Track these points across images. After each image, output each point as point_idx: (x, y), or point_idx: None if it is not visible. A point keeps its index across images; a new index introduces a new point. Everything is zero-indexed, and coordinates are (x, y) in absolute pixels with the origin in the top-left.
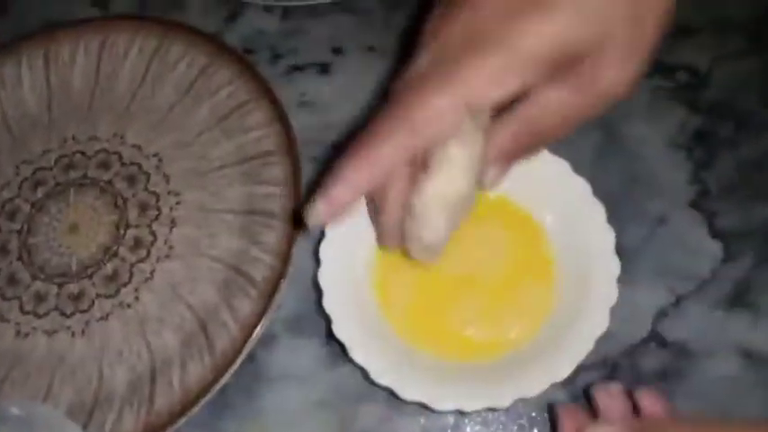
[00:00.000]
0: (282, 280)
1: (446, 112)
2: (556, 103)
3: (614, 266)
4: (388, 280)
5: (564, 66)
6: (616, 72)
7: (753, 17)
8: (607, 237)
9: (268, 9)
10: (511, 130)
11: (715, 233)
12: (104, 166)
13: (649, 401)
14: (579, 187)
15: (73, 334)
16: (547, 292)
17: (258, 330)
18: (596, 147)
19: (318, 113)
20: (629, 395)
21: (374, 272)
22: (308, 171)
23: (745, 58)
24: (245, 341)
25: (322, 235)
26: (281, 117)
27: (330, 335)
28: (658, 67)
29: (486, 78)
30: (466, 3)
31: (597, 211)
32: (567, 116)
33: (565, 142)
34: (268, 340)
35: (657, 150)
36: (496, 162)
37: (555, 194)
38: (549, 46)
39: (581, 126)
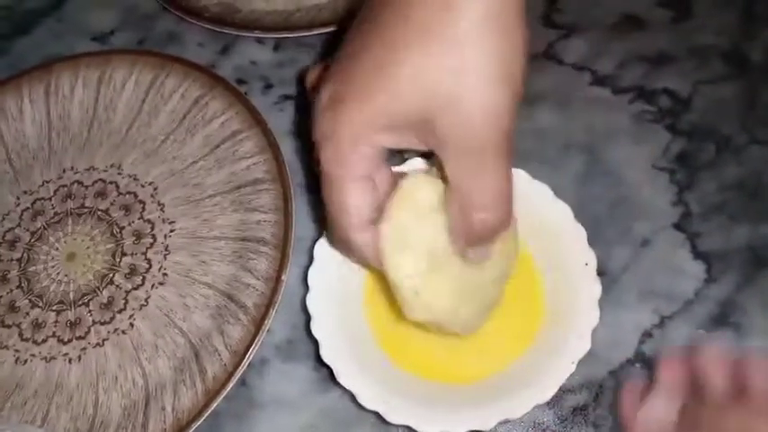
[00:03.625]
0: (272, 306)
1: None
2: (452, 171)
3: (596, 289)
4: (375, 302)
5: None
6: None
7: (731, 43)
8: (589, 259)
9: (260, 41)
10: (452, 215)
11: (698, 254)
12: (101, 195)
13: (763, 378)
14: (561, 211)
15: (70, 360)
16: (531, 314)
17: (249, 356)
18: (581, 171)
19: (308, 142)
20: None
21: (362, 295)
22: (300, 197)
23: (725, 83)
24: (236, 367)
25: (311, 260)
26: (271, 145)
27: (320, 359)
28: (641, 93)
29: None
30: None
31: (579, 235)
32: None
33: (549, 167)
34: (259, 365)
35: (641, 173)
36: (467, 243)
37: (537, 219)
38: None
39: (563, 151)
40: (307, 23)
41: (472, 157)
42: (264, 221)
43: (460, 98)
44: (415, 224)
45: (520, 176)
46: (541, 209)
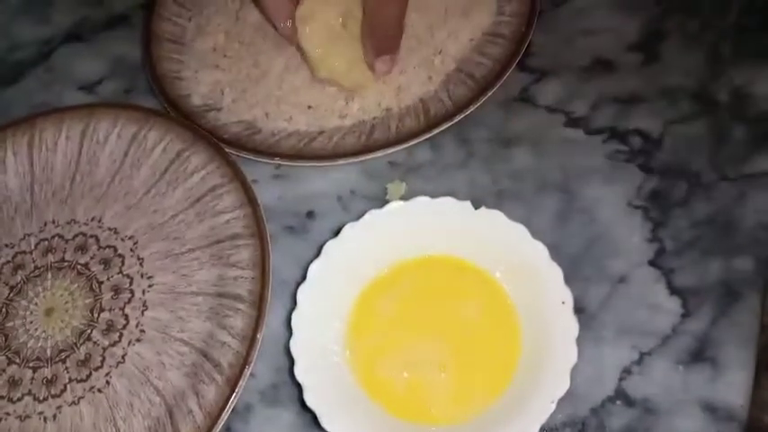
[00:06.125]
0: (247, 366)
1: None
2: None
3: (573, 327)
4: (358, 347)
5: None
6: None
7: (699, 84)
8: (565, 298)
9: None
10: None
11: (673, 289)
12: (81, 249)
13: None
14: (537, 251)
15: (45, 419)
16: (510, 354)
17: (222, 419)
18: (556, 210)
19: (293, 184)
20: None
21: (345, 339)
22: (284, 240)
23: (695, 122)
24: (209, 429)
25: (295, 303)
26: (251, 201)
27: (304, 404)
28: (613, 133)
29: None
30: None
31: (555, 274)
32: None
33: (526, 206)
34: (244, 411)
35: (616, 211)
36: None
37: (514, 259)
38: None
39: (539, 191)
40: (328, 153)
41: None
42: (242, 278)
43: None
44: (322, 6)
45: (497, 218)
46: (518, 249)
